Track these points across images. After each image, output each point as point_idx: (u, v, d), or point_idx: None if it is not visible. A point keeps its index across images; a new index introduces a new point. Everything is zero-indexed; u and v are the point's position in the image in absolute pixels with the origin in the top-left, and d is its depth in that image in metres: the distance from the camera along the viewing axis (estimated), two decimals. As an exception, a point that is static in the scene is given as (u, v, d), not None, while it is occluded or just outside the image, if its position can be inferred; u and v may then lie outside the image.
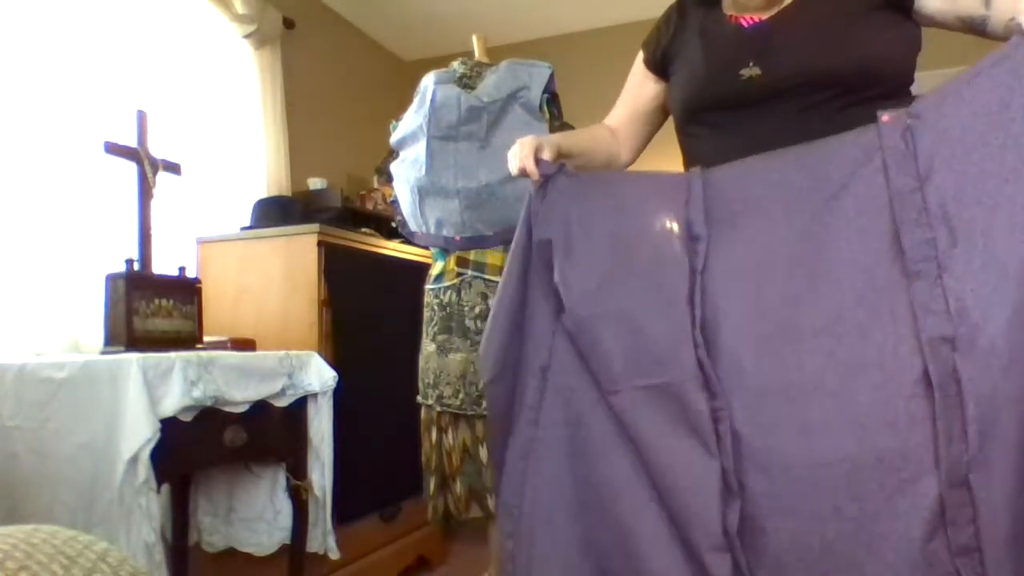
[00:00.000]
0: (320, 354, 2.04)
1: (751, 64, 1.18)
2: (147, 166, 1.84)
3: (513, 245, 1.27)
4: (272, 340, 2.20)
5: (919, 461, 0.87)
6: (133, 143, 1.84)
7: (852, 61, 1.13)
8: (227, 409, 1.70)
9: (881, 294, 0.92)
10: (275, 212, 2.57)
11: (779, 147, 1.10)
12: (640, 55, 1.49)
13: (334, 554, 2.01)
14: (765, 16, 1.24)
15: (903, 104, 1.03)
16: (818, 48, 1.15)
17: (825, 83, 1.14)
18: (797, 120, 1.15)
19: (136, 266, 1.77)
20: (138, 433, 1.45)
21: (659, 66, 1.43)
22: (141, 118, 1.88)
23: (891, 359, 0.90)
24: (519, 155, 1.24)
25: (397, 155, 2.26)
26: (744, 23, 1.26)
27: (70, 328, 2.09)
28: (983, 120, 0.89)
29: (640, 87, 1.49)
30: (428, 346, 2.18)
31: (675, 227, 1.09)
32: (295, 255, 2.34)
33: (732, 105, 1.22)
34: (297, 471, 1.92)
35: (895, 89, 1.16)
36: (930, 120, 0.94)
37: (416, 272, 2.43)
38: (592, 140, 1.47)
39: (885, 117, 0.96)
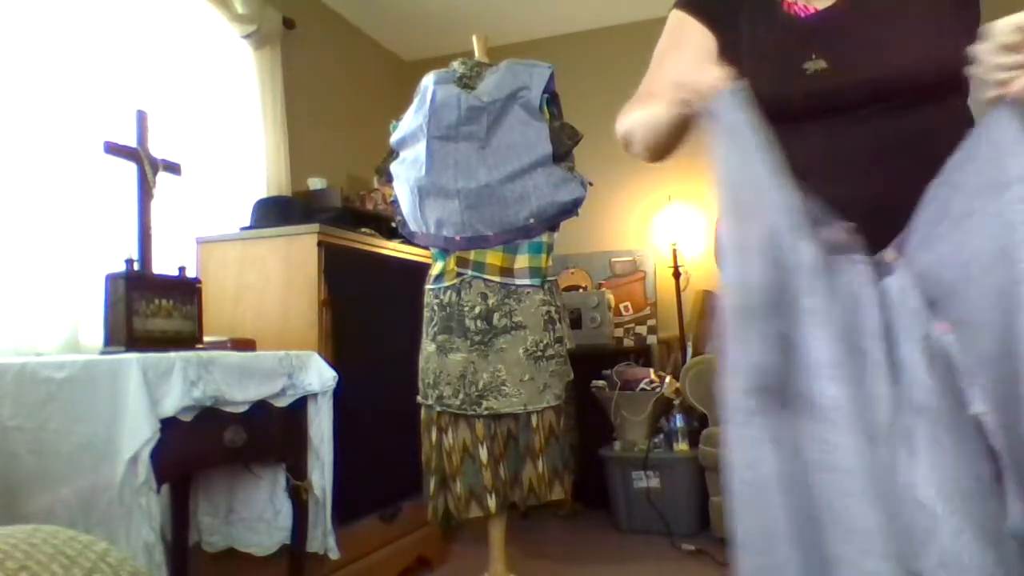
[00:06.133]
0: (320, 354, 2.04)
1: (814, 57, 1.08)
2: (147, 166, 1.84)
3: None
4: (272, 340, 2.20)
5: None
6: (133, 143, 1.84)
7: (930, 60, 1.05)
8: (227, 409, 1.69)
9: None
10: (275, 212, 2.57)
11: (847, 147, 1.05)
12: (683, 18, 1.26)
13: (334, 554, 2.00)
14: (820, 6, 1.15)
15: (964, 99, 1.03)
16: (892, 42, 1.07)
17: (902, 85, 1.05)
18: (868, 120, 1.06)
19: (136, 266, 1.77)
20: (138, 433, 1.45)
21: (716, 23, 1.22)
22: (141, 118, 1.88)
23: None
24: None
25: (397, 155, 2.27)
26: (800, 13, 1.16)
27: (70, 328, 2.09)
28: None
29: (702, 48, 1.21)
30: (428, 346, 2.18)
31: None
32: (295, 255, 2.34)
33: (797, 108, 1.09)
34: (297, 471, 1.92)
35: (959, 86, 1.10)
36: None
37: (416, 272, 2.43)
38: None
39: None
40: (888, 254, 0.90)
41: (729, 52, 1.18)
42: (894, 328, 0.90)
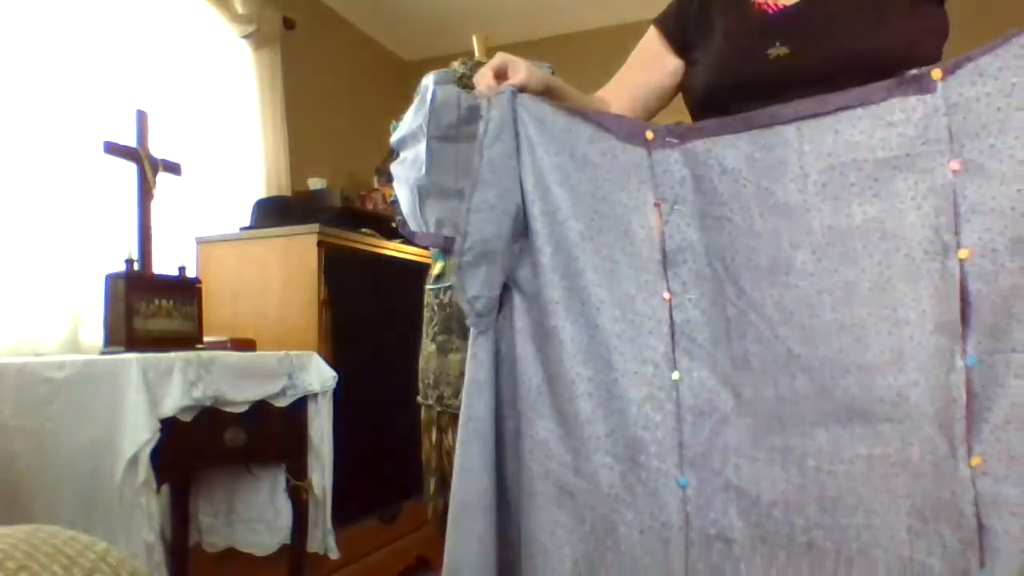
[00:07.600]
0: (320, 354, 2.04)
1: (778, 44, 1.17)
2: (147, 166, 1.84)
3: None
4: (272, 340, 2.20)
5: None
6: (133, 143, 1.84)
7: (885, 48, 1.11)
8: (227, 409, 1.69)
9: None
10: (275, 212, 2.57)
11: None
12: (652, 31, 1.42)
13: (334, 554, 2.00)
14: (787, 2, 1.24)
15: None
16: (850, 32, 1.14)
17: (855, 69, 1.09)
18: None
19: (136, 266, 1.77)
20: (138, 433, 1.45)
21: (680, 44, 1.36)
22: (141, 118, 1.88)
23: None
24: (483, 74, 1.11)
25: (397, 155, 2.26)
26: (769, 9, 1.25)
27: (70, 328, 2.09)
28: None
29: (658, 60, 1.39)
30: (428, 346, 2.18)
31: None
32: (295, 255, 2.34)
33: (757, 88, 1.16)
34: (297, 471, 1.92)
35: None
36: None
37: (416, 272, 2.43)
38: (588, 100, 1.38)
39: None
40: (935, 71, 0.90)
41: (696, 68, 1.30)
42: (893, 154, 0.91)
